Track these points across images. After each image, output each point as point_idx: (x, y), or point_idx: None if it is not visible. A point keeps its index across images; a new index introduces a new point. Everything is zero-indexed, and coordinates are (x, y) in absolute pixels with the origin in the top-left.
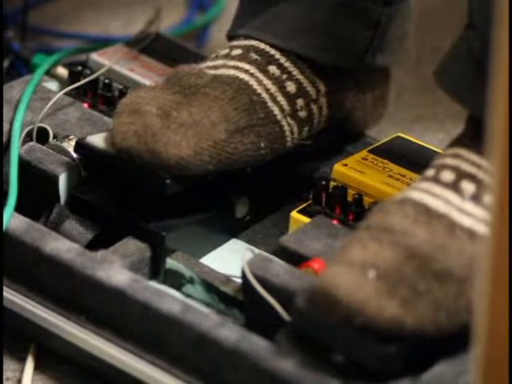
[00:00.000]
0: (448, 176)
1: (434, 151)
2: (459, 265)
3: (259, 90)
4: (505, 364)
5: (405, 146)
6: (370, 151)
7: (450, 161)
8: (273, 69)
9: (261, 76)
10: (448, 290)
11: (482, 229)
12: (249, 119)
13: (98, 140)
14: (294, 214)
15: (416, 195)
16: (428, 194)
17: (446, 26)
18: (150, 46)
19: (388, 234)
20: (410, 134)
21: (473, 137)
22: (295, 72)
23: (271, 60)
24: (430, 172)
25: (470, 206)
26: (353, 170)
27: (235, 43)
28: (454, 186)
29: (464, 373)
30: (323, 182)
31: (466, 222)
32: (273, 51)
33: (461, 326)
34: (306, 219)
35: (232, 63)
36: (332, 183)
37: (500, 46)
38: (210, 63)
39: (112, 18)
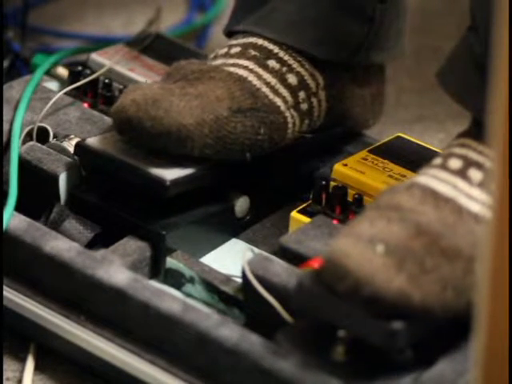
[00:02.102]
0: (455, 163)
1: (434, 151)
2: (467, 243)
3: (258, 84)
4: (505, 363)
5: (405, 146)
6: (370, 151)
7: (457, 150)
8: (272, 63)
9: (260, 71)
10: (455, 267)
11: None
12: (253, 102)
13: (97, 142)
14: (294, 213)
15: (423, 180)
16: (435, 179)
17: (446, 26)
18: (151, 46)
19: (396, 212)
20: (410, 134)
21: (478, 132)
22: (295, 65)
23: (270, 55)
24: (438, 160)
25: (477, 193)
26: (353, 170)
27: (234, 42)
28: (462, 173)
29: (464, 372)
30: (323, 182)
31: (474, 207)
32: (271, 46)
33: (467, 305)
34: (306, 219)
35: (231, 61)
36: (332, 183)
37: (500, 46)
38: (209, 63)
39: (112, 18)
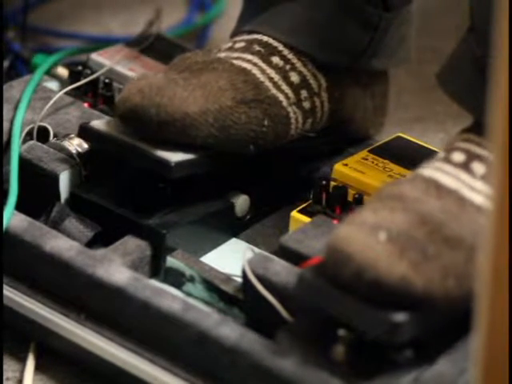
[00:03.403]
0: (459, 157)
1: (434, 151)
2: (470, 233)
3: (262, 78)
4: (505, 363)
5: (405, 146)
6: (370, 151)
7: (460, 144)
8: (276, 59)
9: (264, 66)
10: (457, 256)
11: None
12: (257, 93)
13: (101, 124)
14: (294, 213)
15: (427, 172)
16: (439, 171)
17: (446, 26)
18: (151, 46)
19: (400, 202)
20: (410, 134)
21: (480, 130)
22: (298, 64)
23: (274, 51)
24: (441, 154)
25: (480, 185)
26: (353, 170)
27: (238, 38)
28: (465, 166)
29: (464, 372)
30: (323, 182)
31: (476, 199)
32: (276, 43)
33: (468, 295)
34: (306, 219)
35: (235, 55)
36: (332, 183)
37: (500, 47)
38: (213, 56)
39: (112, 18)
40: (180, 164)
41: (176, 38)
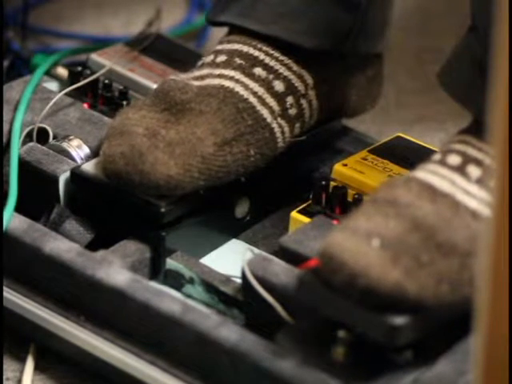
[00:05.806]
0: (455, 159)
1: (434, 151)
2: (463, 238)
3: (246, 95)
4: (505, 364)
5: (405, 145)
6: (370, 151)
7: (456, 146)
8: (258, 71)
9: (247, 80)
10: (451, 262)
11: (486, 212)
12: (236, 129)
13: (92, 168)
14: (294, 213)
15: (421, 175)
16: (433, 174)
17: (446, 26)
18: (151, 46)
19: (393, 207)
20: (410, 134)
21: (478, 130)
22: (282, 70)
23: (256, 62)
24: (437, 156)
25: (475, 189)
26: (353, 170)
27: (219, 47)
28: (460, 169)
29: (464, 372)
30: (323, 182)
31: (471, 203)
32: (257, 53)
33: (462, 300)
34: (306, 219)
35: (217, 71)
36: (332, 183)
37: (500, 46)
38: (196, 73)
39: (112, 18)
40: (171, 208)
41: (176, 37)
